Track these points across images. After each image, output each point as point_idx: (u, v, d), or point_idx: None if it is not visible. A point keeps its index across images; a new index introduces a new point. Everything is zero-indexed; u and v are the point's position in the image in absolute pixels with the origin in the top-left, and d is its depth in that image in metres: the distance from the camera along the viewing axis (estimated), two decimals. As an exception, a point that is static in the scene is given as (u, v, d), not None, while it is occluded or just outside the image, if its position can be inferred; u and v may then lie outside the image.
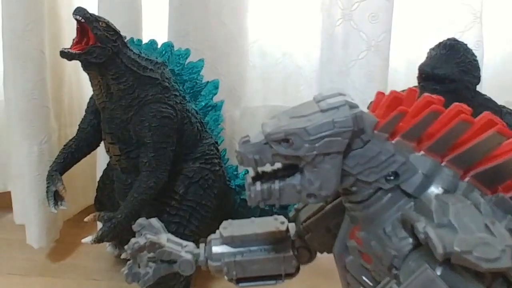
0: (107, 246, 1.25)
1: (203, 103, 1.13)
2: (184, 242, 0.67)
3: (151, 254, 0.65)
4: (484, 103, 1.05)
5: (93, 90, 1.00)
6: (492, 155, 0.52)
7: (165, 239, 0.66)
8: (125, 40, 0.98)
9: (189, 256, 0.64)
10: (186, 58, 1.10)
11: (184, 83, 1.10)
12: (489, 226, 0.45)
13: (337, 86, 1.12)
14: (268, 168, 0.54)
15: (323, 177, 0.51)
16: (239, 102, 1.30)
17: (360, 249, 0.54)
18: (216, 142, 1.13)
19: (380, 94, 0.57)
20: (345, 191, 0.54)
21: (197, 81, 1.12)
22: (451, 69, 0.97)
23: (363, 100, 1.08)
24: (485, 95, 1.06)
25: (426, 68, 0.98)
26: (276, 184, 0.52)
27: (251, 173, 0.54)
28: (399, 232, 0.50)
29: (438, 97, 0.54)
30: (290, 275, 0.65)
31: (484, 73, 1.21)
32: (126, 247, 0.66)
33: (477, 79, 1.01)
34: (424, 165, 0.51)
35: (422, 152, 0.52)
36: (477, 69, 1.01)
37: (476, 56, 1.01)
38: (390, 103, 0.54)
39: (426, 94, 0.54)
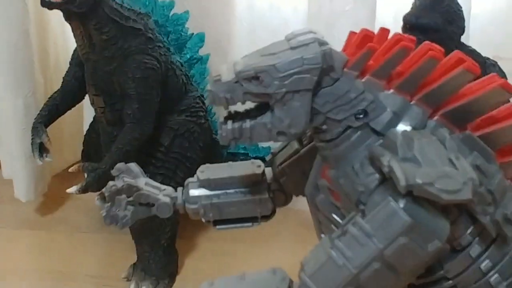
0: (95, 200, 1.26)
1: (188, 56, 1.12)
2: (163, 186, 0.68)
3: (130, 198, 0.66)
4: (468, 54, 1.05)
5: (76, 41, 0.99)
6: (461, 94, 0.53)
7: (143, 182, 0.66)
8: (107, -10, 0.97)
9: (167, 199, 0.65)
10: (171, 9, 1.10)
11: (169, 35, 1.09)
12: (453, 160, 0.46)
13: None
14: (241, 108, 0.55)
15: (293, 115, 0.51)
16: (226, 56, 1.29)
17: (330, 187, 0.55)
18: (202, 96, 1.13)
19: (352, 34, 0.57)
20: (315, 130, 0.54)
21: (182, 33, 1.11)
22: (435, 19, 0.96)
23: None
24: (470, 46, 1.06)
25: (410, 18, 0.98)
26: (247, 123, 0.52)
27: (224, 112, 0.55)
28: (367, 169, 0.50)
29: (409, 36, 0.54)
30: (266, 217, 0.66)
31: (472, 26, 1.20)
32: (104, 189, 0.67)
33: (461, 29, 1.01)
34: (393, 103, 0.52)
35: (391, 91, 0.52)
36: (462, 19, 1.00)
37: (461, 6, 1.00)
38: (361, 41, 0.54)
39: (396, 32, 0.54)
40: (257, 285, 0.51)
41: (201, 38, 1.13)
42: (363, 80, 0.52)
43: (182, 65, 1.08)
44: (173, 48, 1.09)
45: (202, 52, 1.15)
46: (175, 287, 1.06)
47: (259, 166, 0.66)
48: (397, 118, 0.51)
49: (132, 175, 0.66)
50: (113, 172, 0.68)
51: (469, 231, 0.51)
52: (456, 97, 0.52)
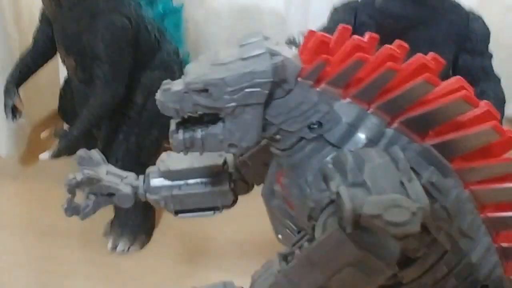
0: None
1: (160, 7, 1.08)
2: (125, 174, 0.67)
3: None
4: (452, 9, 1.02)
5: (42, 1, 0.95)
6: (420, 102, 0.51)
7: (105, 172, 0.66)
8: None
9: (127, 190, 0.65)
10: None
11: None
12: (405, 184, 0.45)
13: None
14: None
15: (244, 128, 0.50)
16: (203, 2, 1.24)
17: (284, 195, 0.55)
18: (177, 48, 1.10)
19: (311, 34, 0.54)
20: (270, 138, 0.53)
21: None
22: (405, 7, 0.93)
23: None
24: (453, 0, 1.03)
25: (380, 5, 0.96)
26: (198, 133, 0.52)
27: (175, 119, 0.54)
28: (320, 184, 0.50)
29: (370, 37, 0.52)
30: (227, 207, 0.67)
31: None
32: (64, 182, 0.66)
33: None
34: (349, 114, 0.50)
35: (348, 100, 0.51)
36: None
37: None
38: (317, 48, 0.51)
39: (355, 37, 0.52)
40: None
41: (173, -13, 1.09)
42: (318, 89, 0.50)
43: (154, 20, 1.05)
44: (143, 0, 1.05)
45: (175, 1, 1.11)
46: (152, 242, 1.08)
47: (221, 155, 0.66)
48: (352, 129, 0.50)
49: (93, 164, 0.66)
50: (75, 159, 0.67)
51: (424, 243, 0.51)
52: (415, 105, 0.51)
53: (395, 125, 0.51)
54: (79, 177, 0.64)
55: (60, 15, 0.95)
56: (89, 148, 0.69)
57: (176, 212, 0.66)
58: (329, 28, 0.96)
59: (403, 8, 0.94)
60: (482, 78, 1.06)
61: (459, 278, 0.54)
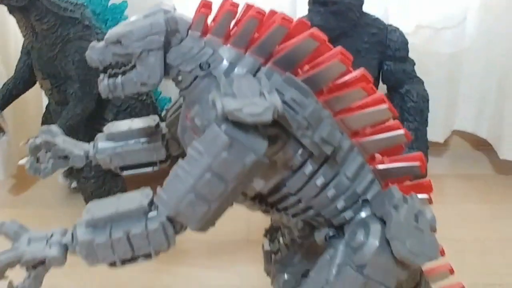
0: (59, 178, 1.41)
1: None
2: (79, 142, 0.81)
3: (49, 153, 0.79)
4: (371, 23, 1.18)
5: (21, 32, 1.13)
6: (284, 46, 0.65)
7: (62, 140, 0.80)
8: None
9: (80, 152, 0.79)
10: (108, 0, 1.23)
11: (107, 22, 1.23)
12: (264, 93, 0.58)
13: None
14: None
15: (150, 69, 0.64)
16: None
17: (191, 126, 0.68)
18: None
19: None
20: (175, 82, 0.67)
21: (120, 20, 1.25)
22: None
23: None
24: (373, 15, 1.19)
25: None
26: (119, 79, 0.66)
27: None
28: (210, 107, 0.63)
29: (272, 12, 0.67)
30: (163, 162, 0.80)
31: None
32: (26, 146, 0.80)
33: (360, 0, 1.13)
34: (229, 55, 0.64)
35: (228, 45, 0.65)
36: None
37: None
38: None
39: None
40: (125, 201, 0.62)
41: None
42: (205, 38, 0.65)
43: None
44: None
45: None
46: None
47: (155, 120, 0.80)
48: (232, 66, 0.64)
49: (52, 134, 0.80)
50: (39, 132, 0.81)
51: (299, 153, 0.63)
52: (280, 48, 0.65)
53: (268, 64, 0.65)
54: (38, 140, 0.78)
55: (37, 43, 1.12)
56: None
57: (121, 169, 0.79)
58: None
59: (325, 21, 1.10)
60: (406, 81, 1.21)
61: (338, 190, 0.66)
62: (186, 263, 1.17)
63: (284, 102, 0.60)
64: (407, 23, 1.39)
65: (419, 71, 1.31)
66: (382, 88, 1.24)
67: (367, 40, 1.16)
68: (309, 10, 1.12)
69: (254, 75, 0.63)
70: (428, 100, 1.21)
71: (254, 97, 0.58)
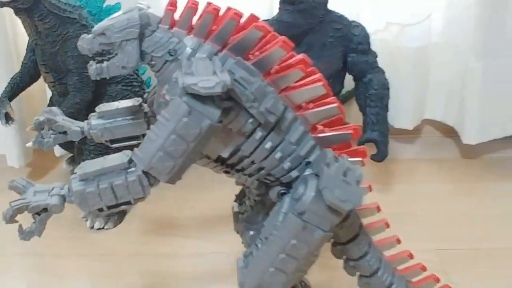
0: (63, 164, 1.56)
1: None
2: (76, 121, 0.96)
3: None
4: (336, 19, 1.31)
5: (26, 31, 1.29)
6: (237, 35, 0.78)
7: (61, 119, 0.95)
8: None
9: (77, 128, 0.93)
10: (103, 2, 1.38)
11: (102, 22, 1.38)
12: (216, 72, 0.72)
13: None
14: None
15: (129, 55, 0.78)
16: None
17: (165, 103, 0.82)
18: (137, 69, 1.41)
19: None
20: (150, 66, 0.81)
21: (114, 20, 1.40)
22: None
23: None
24: (338, 13, 1.31)
25: None
26: (104, 64, 0.81)
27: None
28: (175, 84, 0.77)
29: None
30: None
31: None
32: (32, 122, 0.94)
33: None
34: (192, 43, 0.78)
35: (191, 36, 0.79)
36: None
37: None
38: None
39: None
40: (110, 160, 0.76)
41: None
42: (172, 30, 0.80)
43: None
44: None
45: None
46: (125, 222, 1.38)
47: (138, 100, 0.94)
48: (194, 52, 0.78)
49: (53, 114, 0.95)
50: (42, 112, 0.96)
51: (249, 121, 0.77)
52: (234, 38, 0.79)
53: (224, 51, 0.78)
54: (41, 118, 0.93)
55: (40, 41, 1.28)
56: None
57: (111, 142, 0.94)
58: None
59: (294, 18, 1.23)
60: (368, 71, 1.34)
61: (284, 153, 0.79)
62: (181, 235, 1.33)
63: (235, 80, 0.74)
64: (378, 21, 1.55)
65: (390, 64, 1.45)
66: (349, 78, 1.38)
67: (332, 34, 1.27)
68: (279, 9, 1.25)
69: (211, 59, 0.77)
70: (388, 88, 1.33)
71: (208, 75, 0.72)
